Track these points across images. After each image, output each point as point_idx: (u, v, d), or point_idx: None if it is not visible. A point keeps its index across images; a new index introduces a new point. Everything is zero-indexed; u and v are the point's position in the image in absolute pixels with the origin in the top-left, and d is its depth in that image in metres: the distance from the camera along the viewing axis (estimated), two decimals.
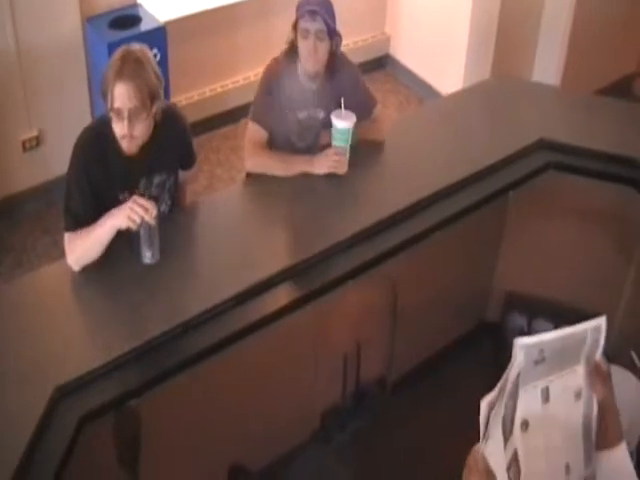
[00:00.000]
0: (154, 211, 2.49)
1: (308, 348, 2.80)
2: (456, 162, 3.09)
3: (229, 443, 2.74)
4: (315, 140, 3.14)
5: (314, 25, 2.84)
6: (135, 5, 4.58)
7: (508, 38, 5.02)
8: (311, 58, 2.88)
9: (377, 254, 2.73)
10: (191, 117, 4.94)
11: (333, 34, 2.87)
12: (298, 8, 2.91)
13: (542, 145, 3.19)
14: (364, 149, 3.09)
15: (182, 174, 2.94)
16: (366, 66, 5.35)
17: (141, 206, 2.50)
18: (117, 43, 4.25)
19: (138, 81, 2.54)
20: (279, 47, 5.17)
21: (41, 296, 2.68)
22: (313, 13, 2.81)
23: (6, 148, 4.47)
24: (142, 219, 2.47)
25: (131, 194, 2.63)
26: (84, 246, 2.60)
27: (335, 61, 2.96)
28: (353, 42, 5.43)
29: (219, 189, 4.69)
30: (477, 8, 4.91)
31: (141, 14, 4.51)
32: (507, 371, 1.61)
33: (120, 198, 2.66)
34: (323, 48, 2.87)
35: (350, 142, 2.91)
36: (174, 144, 2.80)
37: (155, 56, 4.31)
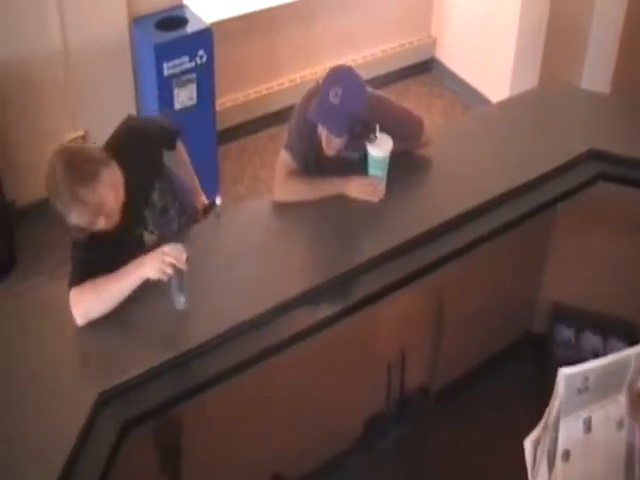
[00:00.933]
0: (184, 256, 2.37)
1: (353, 356, 2.78)
2: (504, 172, 3.03)
3: (270, 452, 2.73)
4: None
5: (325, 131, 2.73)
6: (181, 6, 4.59)
7: (557, 43, 4.93)
8: (327, 147, 2.77)
9: (424, 264, 2.69)
10: (236, 119, 5.09)
11: (346, 131, 2.71)
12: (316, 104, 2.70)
13: (592, 155, 3.12)
14: (409, 155, 3.05)
15: (169, 158, 2.84)
16: (411, 69, 5.35)
17: (173, 256, 2.35)
18: (163, 45, 4.29)
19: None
20: (322, 50, 5.21)
21: None
22: (319, 121, 2.71)
23: (52, 147, 4.49)
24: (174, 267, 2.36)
25: (146, 227, 2.58)
26: (100, 297, 2.42)
27: (359, 124, 2.74)
28: (399, 45, 5.39)
29: (262, 191, 4.69)
30: (525, 12, 4.84)
31: (187, 15, 4.52)
32: (550, 404, 1.59)
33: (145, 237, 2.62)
34: (337, 141, 2.74)
35: (387, 169, 2.83)
36: (142, 157, 2.65)
37: (201, 58, 4.35)
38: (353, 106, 2.66)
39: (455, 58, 5.50)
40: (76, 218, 2.41)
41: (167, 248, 2.38)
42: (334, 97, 2.63)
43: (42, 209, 4.65)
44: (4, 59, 4.16)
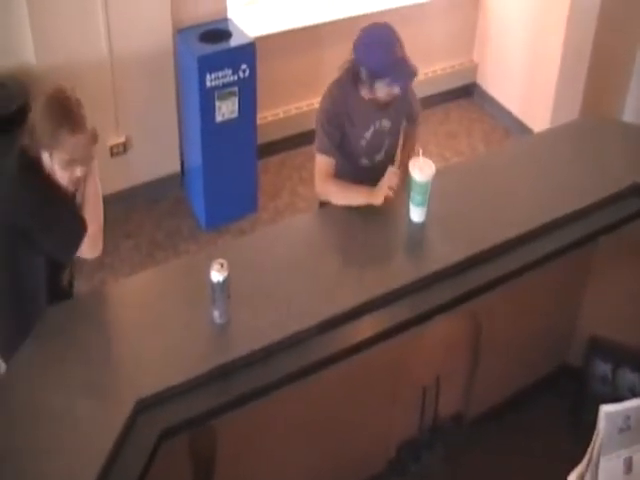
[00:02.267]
0: None
1: (388, 378, 2.77)
2: (545, 203, 3.02)
3: (303, 471, 2.73)
4: (384, 152, 3.18)
5: (396, 89, 2.94)
6: (225, 19, 4.63)
7: (599, 74, 4.92)
8: (383, 99, 2.99)
9: (463, 292, 2.68)
10: (276, 134, 5.12)
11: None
12: (383, 63, 2.91)
13: (635, 189, 3.10)
14: (451, 181, 3.06)
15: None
16: (453, 93, 5.35)
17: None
18: (207, 56, 4.33)
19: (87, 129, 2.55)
20: None
21: (125, 307, 2.71)
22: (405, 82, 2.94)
23: (95, 152, 4.54)
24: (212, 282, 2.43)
25: None
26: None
27: None
28: (441, 68, 5.41)
29: (301, 208, 4.72)
30: (569, 42, 4.83)
31: (231, 29, 4.55)
32: (593, 440, 1.57)
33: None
34: (396, 90, 2.96)
35: (428, 194, 2.85)
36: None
37: (244, 71, 4.38)
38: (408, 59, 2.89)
39: (496, 84, 5.50)
40: (59, 153, 2.51)
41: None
42: (399, 50, 2.89)
43: None
44: (53, 64, 4.21)
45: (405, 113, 3.21)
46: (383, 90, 2.94)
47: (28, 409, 2.28)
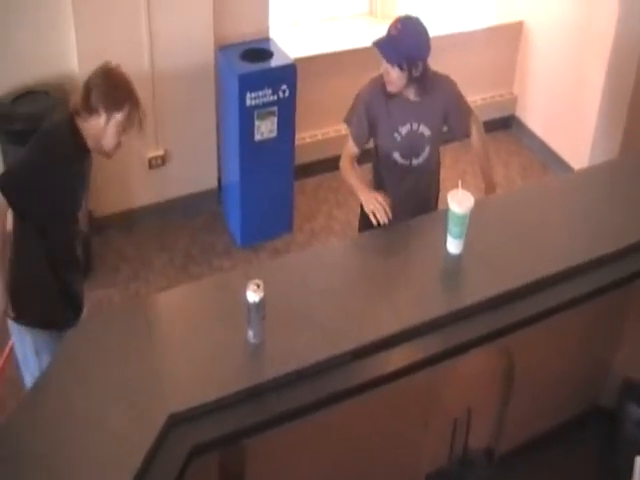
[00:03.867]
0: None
1: (419, 408, 2.75)
2: (582, 242, 3.01)
3: None
4: (423, 159, 3.30)
5: (384, 64, 3.14)
6: (267, 39, 4.67)
7: None
8: (386, 80, 3.15)
9: (498, 327, 2.67)
10: (313, 155, 5.15)
11: (402, 63, 3.07)
12: None
13: None
14: (489, 213, 3.06)
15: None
16: (492, 124, 5.31)
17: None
18: (247, 75, 4.37)
19: None
20: None
21: (160, 321, 2.73)
22: (375, 46, 3.12)
23: (134, 164, 4.62)
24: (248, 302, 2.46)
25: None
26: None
27: (426, 81, 3.16)
28: (481, 98, 5.42)
29: (336, 231, 4.74)
30: (610, 79, 4.82)
31: (272, 49, 4.60)
32: None
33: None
34: (394, 73, 3.10)
35: (466, 226, 2.85)
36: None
37: (283, 92, 4.40)
38: (409, 41, 3.06)
39: (535, 118, 5.50)
40: (121, 118, 2.81)
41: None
42: (394, 29, 3.09)
43: (120, 221, 4.77)
44: None
45: (449, 127, 3.32)
46: (382, 67, 3.14)
47: (60, 417, 2.29)
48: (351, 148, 3.35)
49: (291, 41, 4.86)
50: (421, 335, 2.60)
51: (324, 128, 5.12)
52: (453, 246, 2.87)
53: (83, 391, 2.35)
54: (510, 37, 5.46)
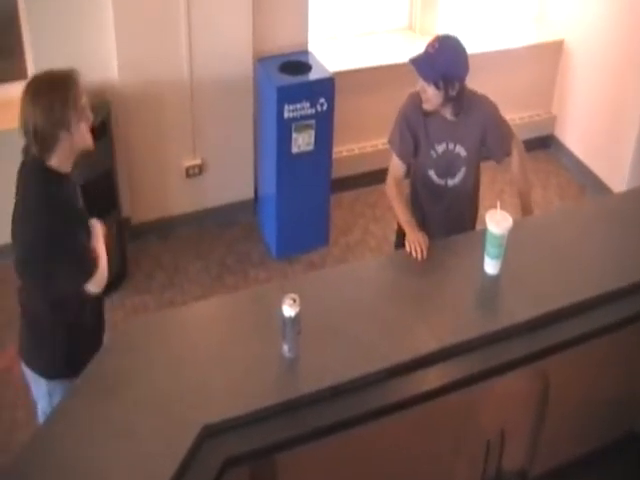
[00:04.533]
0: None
1: (453, 429, 2.73)
2: (620, 267, 2.97)
3: None
4: (458, 180, 3.29)
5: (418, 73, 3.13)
6: (306, 52, 4.68)
7: None
8: (422, 98, 3.14)
9: (534, 350, 2.65)
10: (350, 169, 5.15)
11: (437, 81, 3.06)
12: None
13: None
14: (527, 234, 3.04)
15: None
16: (530, 144, 5.27)
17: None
18: (286, 88, 4.39)
19: None
20: None
21: (195, 331, 2.73)
22: (412, 63, 3.12)
23: (171, 172, 4.66)
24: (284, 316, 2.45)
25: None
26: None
27: (462, 100, 3.15)
28: (519, 117, 5.37)
29: (372, 246, 4.73)
30: None
31: (311, 62, 4.61)
32: None
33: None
34: (430, 91, 3.09)
35: (504, 247, 2.84)
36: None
37: (321, 105, 4.41)
38: (446, 60, 3.05)
39: (574, 138, 5.45)
40: (83, 127, 2.64)
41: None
42: (431, 47, 3.09)
43: (156, 229, 4.81)
44: (135, 81, 4.35)
45: (487, 149, 3.27)
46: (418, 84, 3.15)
47: (94, 426, 2.31)
48: (396, 168, 3.31)
49: (330, 54, 4.87)
50: (457, 355, 2.59)
51: (361, 142, 5.13)
52: (490, 266, 2.86)
53: (117, 401, 2.37)
54: (550, 56, 5.41)
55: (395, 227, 3.52)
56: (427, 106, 3.14)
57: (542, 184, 5.26)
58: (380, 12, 5.27)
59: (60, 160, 2.64)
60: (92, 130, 3.96)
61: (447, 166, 3.26)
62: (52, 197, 2.63)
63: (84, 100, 2.64)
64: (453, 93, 3.08)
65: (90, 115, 2.69)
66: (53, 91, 2.57)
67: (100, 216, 4.19)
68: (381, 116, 5.09)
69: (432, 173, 3.28)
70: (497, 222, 2.79)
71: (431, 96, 3.09)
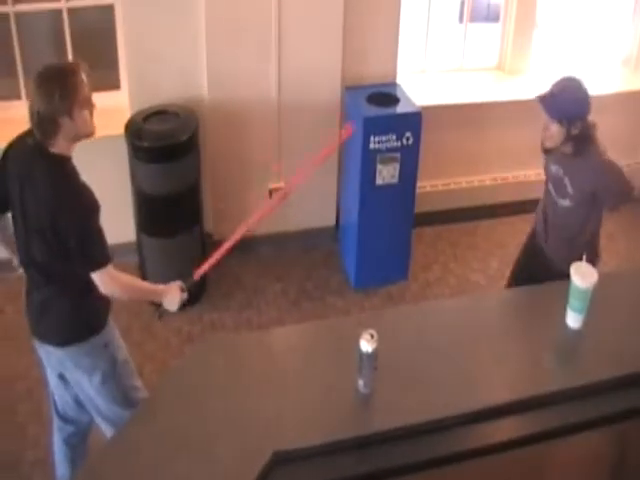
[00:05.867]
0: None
1: None
2: None
3: None
4: (565, 208, 3.41)
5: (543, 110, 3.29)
6: (394, 84, 4.72)
7: None
8: (544, 135, 3.31)
9: (613, 412, 2.58)
10: (433, 205, 5.15)
11: (561, 119, 3.22)
12: None
13: None
14: (613, 288, 2.98)
15: None
16: None
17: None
18: (373, 119, 4.41)
19: None
20: (531, 155, 5.12)
21: (273, 356, 2.77)
22: (538, 100, 3.26)
23: (255, 193, 4.75)
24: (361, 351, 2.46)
25: None
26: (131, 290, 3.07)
27: (578, 144, 3.28)
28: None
29: (451, 284, 4.71)
30: None
31: (398, 94, 4.64)
32: None
33: None
34: (553, 128, 3.25)
35: (588, 301, 2.79)
36: None
37: (407, 139, 4.42)
38: (569, 99, 3.24)
39: None
40: (81, 96, 2.73)
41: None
42: (555, 87, 3.27)
43: (237, 248, 4.83)
44: (223, 99, 4.47)
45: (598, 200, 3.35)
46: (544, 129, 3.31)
47: (170, 434, 2.37)
48: None
49: (418, 88, 4.90)
50: (531, 409, 2.55)
51: (446, 179, 5.14)
52: (573, 320, 2.81)
53: (194, 415, 2.43)
54: None
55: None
56: (548, 144, 3.31)
57: (625, 234, 5.14)
58: (471, 50, 5.29)
59: (62, 146, 2.78)
60: (182, 145, 4.14)
61: (559, 186, 3.40)
62: (72, 177, 2.81)
63: (86, 90, 2.76)
64: (575, 132, 3.22)
65: (94, 103, 2.82)
66: (55, 80, 2.72)
67: (183, 229, 4.34)
68: (466, 153, 5.09)
69: (551, 186, 3.45)
70: (582, 275, 2.75)
71: (554, 133, 3.25)
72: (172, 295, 3.05)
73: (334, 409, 2.48)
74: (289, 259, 4.76)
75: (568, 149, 3.30)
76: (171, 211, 4.32)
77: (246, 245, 4.80)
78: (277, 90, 4.48)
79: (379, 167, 4.45)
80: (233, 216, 4.78)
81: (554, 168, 3.40)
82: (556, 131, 3.24)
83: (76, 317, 2.96)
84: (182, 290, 3.08)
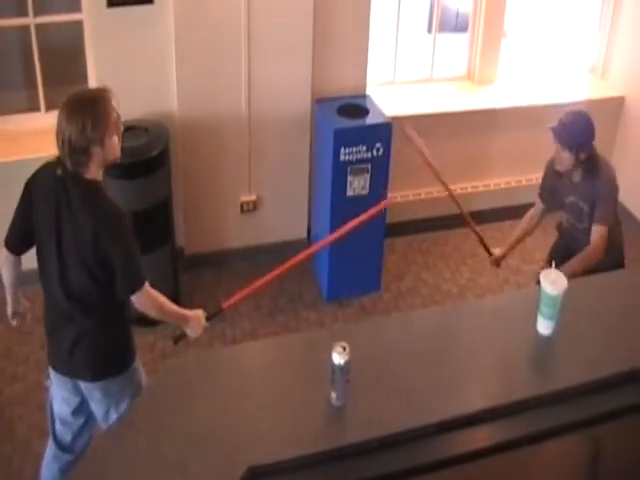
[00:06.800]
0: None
1: None
2: None
3: None
4: (583, 227, 3.75)
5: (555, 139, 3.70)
6: (364, 96, 4.74)
7: None
8: (556, 159, 3.71)
9: (586, 416, 2.59)
10: (404, 215, 5.18)
11: (571, 147, 3.60)
12: None
13: None
14: (585, 296, 3.00)
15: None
16: None
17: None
18: (343, 131, 4.43)
19: None
20: (501, 164, 5.17)
21: (244, 371, 2.76)
22: (551, 130, 3.65)
23: (226, 205, 4.75)
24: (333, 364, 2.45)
25: None
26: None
27: (589, 167, 3.67)
28: None
29: (423, 294, 4.74)
30: None
31: (369, 105, 4.67)
32: None
33: None
34: (564, 154, 3.64)
35: (558, 308, 2.81)
36: None
37: (378, 150, 4.44)
38: (577, 130, 3.63)
39: (636, 200, 5.35)
40: (115, 140, 2.80)
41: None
42: (565, 118, 3.68)
43: (210, 261, 4.86)
44: (193, 114, 4.47)
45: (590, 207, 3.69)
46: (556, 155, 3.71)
47: (143, 457, 2.35)
48: (536, 204, 4.03)
49: (387, 99, 4.93)
50: (506, 416, 2.55)
51: (416, 189, 5.16)
52: (543, 326, 2.83)
53: (168, 434, 2.41)
54: (610, 112, 5.37)
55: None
56: (560, 167, 3.71)
57: None
58: (440, 60, 5.33)
59: (93, 172, 2.80)
60: (152, 160, 4.12)
61: (576, 212, 3.76)
62: (109, 200, 2.84)
63: (115, 116, 2.79)
64: (583, 157, 3.62)
65: (121, 127, 2.86)
66: (85, 110, 2.73)
67: (155, 245, 4.31)
68: (436, 163, 5.08)
69: (569, 217, 3.82)
70: (552, 282, 2.77)
71: (565, 158, 3.65)
72: (197, 322, 3.15)
73: (308, 422, 2.47)
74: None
75: (577, 177, 3.70)
76: (143, 227, 4.27)
77: (218, 259, 4.81)
78: (247, 103, 4.49)
79: (350, 178, 4.47)
80: (205, 230, 4.78)
81: (569, 200, 3.75)
82: (566, 157, 3.63)
83: (114, 350, 3.02)
84: (207, 319, 3.20)
